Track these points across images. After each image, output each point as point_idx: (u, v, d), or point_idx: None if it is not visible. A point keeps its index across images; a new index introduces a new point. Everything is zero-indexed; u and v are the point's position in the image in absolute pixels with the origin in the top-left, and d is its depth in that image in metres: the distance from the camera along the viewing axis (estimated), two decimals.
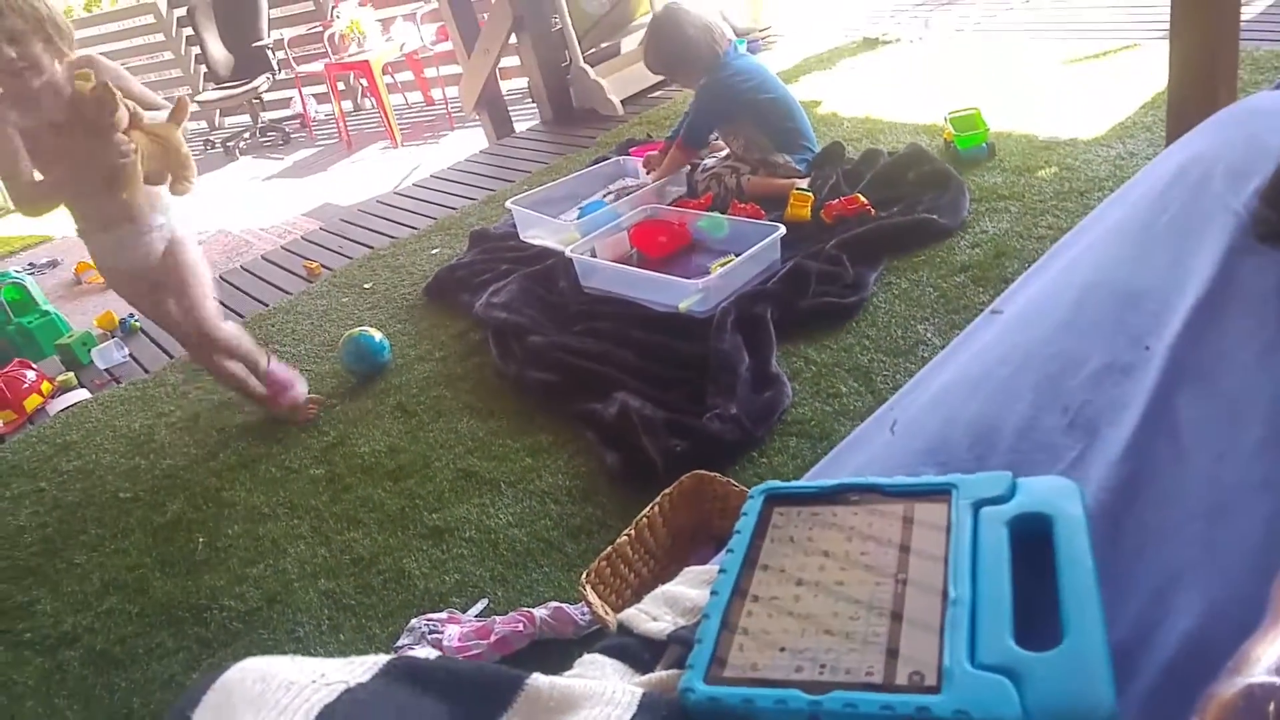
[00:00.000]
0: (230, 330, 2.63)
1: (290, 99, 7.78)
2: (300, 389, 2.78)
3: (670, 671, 0.72)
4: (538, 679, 0.69)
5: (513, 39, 4.95)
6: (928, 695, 0.60)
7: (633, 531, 1.70)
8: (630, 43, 5.00)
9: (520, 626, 1.73)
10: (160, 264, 2.49)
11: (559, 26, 4.83)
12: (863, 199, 2.92)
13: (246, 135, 7.51)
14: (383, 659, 0.69)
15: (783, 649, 0.69)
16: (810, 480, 0.93)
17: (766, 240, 2.70)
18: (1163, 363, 0.86)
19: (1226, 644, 0.53)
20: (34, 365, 3.47)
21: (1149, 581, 0.70)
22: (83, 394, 3.39)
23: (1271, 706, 0.47)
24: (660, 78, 4.37)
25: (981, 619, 0.65)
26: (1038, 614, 0.65)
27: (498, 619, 1.77)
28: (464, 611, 1.88)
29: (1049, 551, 0.70)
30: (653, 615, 0.80)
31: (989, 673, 0.61)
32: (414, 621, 1.83)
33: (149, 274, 2.50)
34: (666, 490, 1.78)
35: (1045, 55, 4.03)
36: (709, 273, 2.67)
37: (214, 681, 0.60)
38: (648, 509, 1.73)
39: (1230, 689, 0.49)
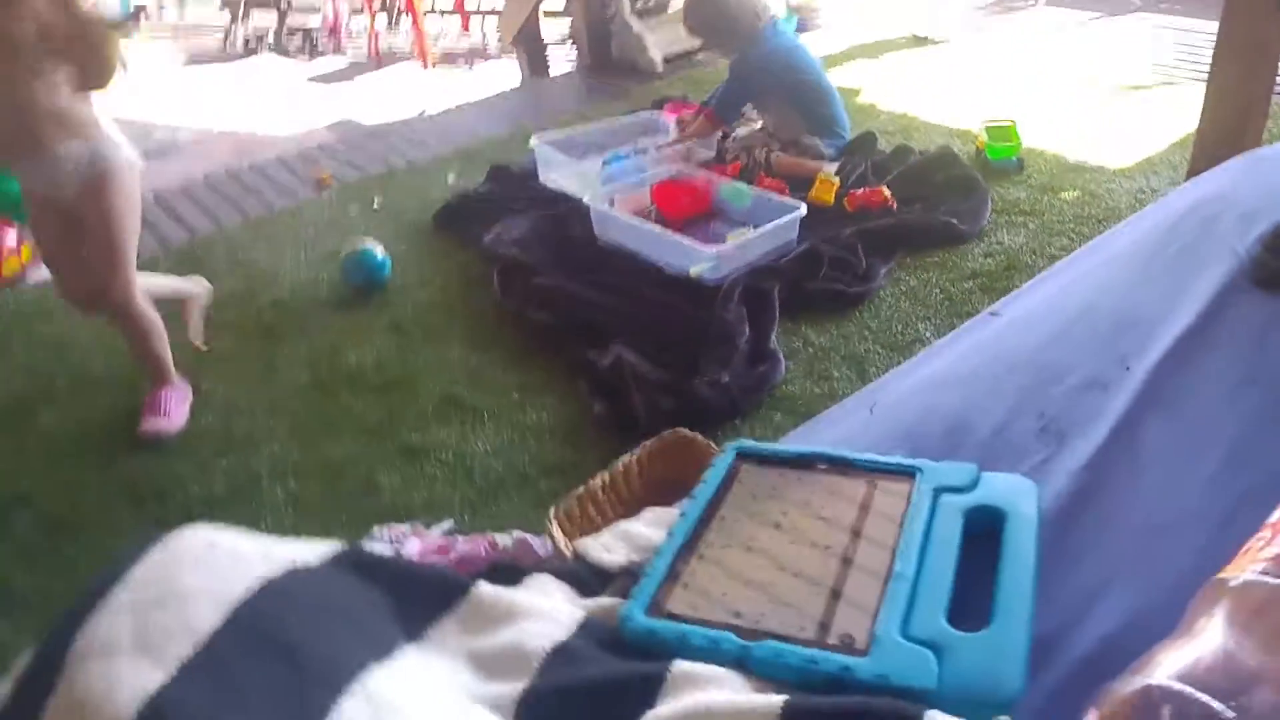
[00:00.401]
0: (144, 308, 2.26)
1: (320, 5, 7.67)
2: (167, 426, 2.28)
3: (614, 600, 0.74)
4: (483, 587, 0.72)
5: None
6: (854, 657, 0.63)
7: (607, 475, 1.71)
8: (680, 1, 4.94)
9: (481, 550, 1.76)
10: (77, 201, 2.13)
11: None
12: (887, 193, 2.92)
13: (271, 36, 7.41)
14: (335, 547, 0.70)
15: (725, 595, 0.72)
16: (785, 444, 0.95)
17: (786, 218, 2.70)
18: (1139, 385, 0.89)
19: (1139, 650, 0.56)
20: (15, 226, 3.36)
21: (1082, 585, 0.72)
22: None
23: (1166, 710, 0.49)
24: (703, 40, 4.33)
25: (920, 596, 0.68)
26: (975, 599, 0.68)
27: (460, 539, 1.80)
28: (429, 529, 1.91)
29: (998, 543, 0.73)
30: (608, 547, 0.82)
31: (915, 644, 0.63)
32: (376, 529, 1.86)
33: (60, 207, 2.15)
34: (647, 442, 1.79)
35: (1089, 80, 4.00)
36: (725, 241, 2.67)
37: (162, 538, 0.62)
38: (626, 456, 1.74)
39: (1129, 686, 0.51)
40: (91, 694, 0.49)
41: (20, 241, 3.28)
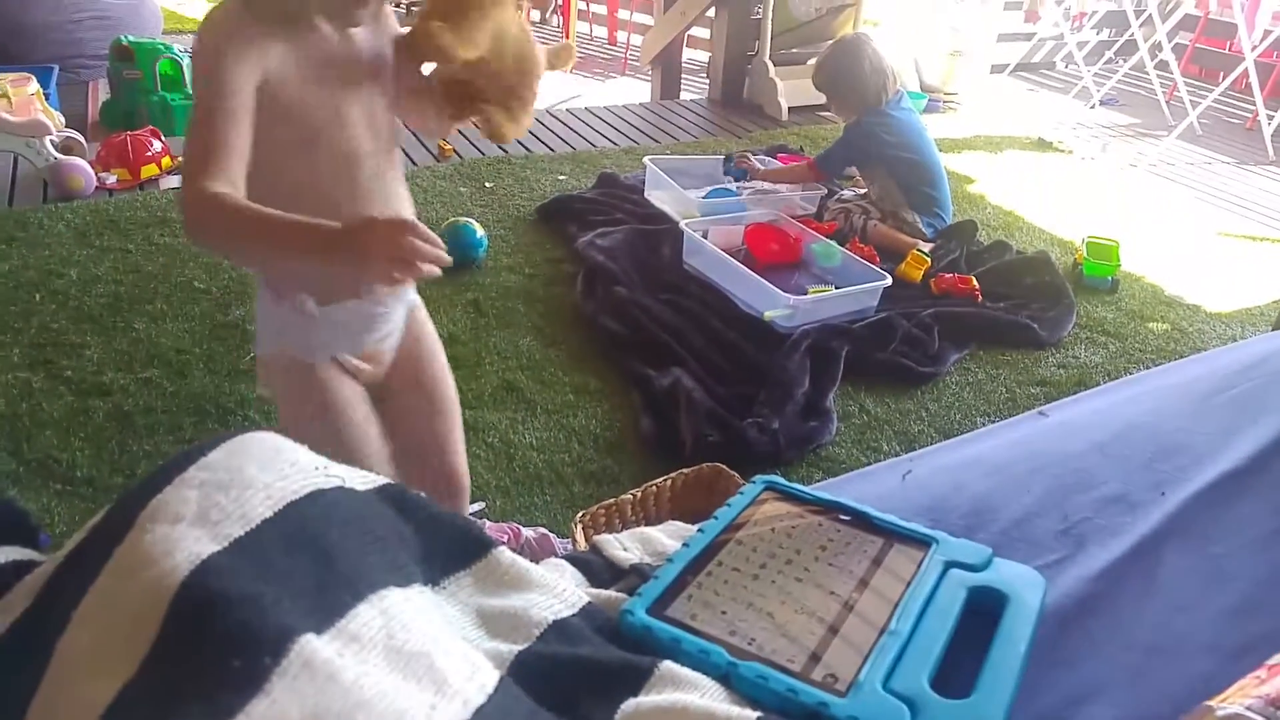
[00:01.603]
0: None
1: None
2: None
3: (619, 595, 0.78)
4: (503, 552, 0.76)
5: (710, 12, 4.99)
6: (833, 696, 0.66)
7: (639, 493, 1.75)
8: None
9: (505, 538, 1.81)
10: (398, 364, 1.46)
11: (759, 16, 4.86)
12: (975, 283, 2.92)
13: None
14: (381, 480, 0.76)
15: (724, 613, 0.75)
16: (813, 490, 0.98)
17: (870, 285, 2.72)
18: (1170, 510, 0.90)
19: None
20: (163, 138, 3.58)
21: (1072, 687, 0.74)
22: None
23: None
24: None
25: (908, 655, 0.71)
26: (961, 671, 0.70)
27: (488, 523, 1.86)
28: None
29: (995, 624, 0.75)
30: (624, 545, 0.86)
31: (894, 697, 0.66)
32: None
33: (373, 380, 1.42)
34: (685, 470, 1.83)
35: (1205, 219, 3.95)
36: (805, 294, 2.70)
37: (234, 435, 0.68)
38: (661, 479, 1.79)
39: None
40: (154, 550, 0.56)
41: (164, 151, 3.49)
